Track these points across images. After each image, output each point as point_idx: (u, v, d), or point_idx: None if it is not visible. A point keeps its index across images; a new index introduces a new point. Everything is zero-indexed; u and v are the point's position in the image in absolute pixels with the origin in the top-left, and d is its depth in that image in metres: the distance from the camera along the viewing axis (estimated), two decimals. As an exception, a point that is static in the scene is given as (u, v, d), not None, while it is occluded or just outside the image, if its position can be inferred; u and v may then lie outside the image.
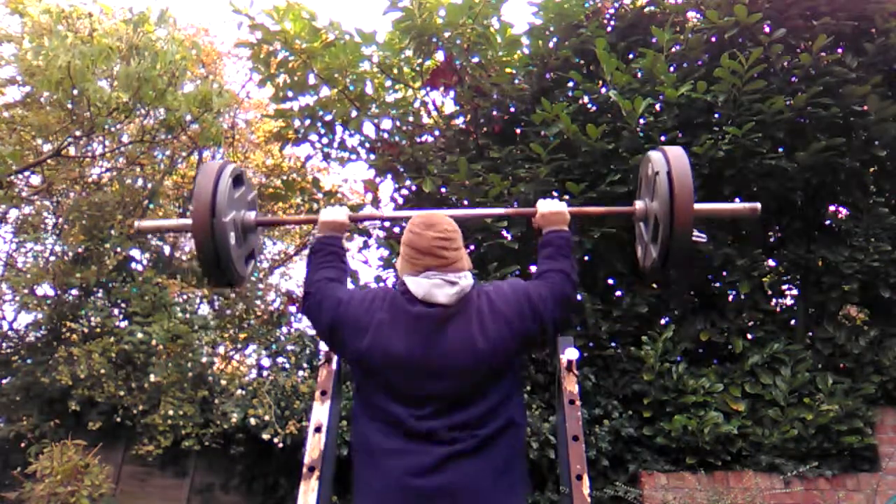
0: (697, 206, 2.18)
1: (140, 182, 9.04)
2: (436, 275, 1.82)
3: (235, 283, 2.40)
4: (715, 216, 2.78)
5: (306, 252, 11.48)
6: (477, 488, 1.72)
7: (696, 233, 2.22)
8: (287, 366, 7.06)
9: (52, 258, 7.95)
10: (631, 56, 6.39)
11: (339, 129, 7.32)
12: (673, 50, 6.04)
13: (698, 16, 6.45)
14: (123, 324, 7.19)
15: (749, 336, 6.08)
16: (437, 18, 6.52)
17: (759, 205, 2.37)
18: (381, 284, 6.78)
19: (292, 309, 7.67)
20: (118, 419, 6.62)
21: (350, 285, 2.09)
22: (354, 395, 1.94)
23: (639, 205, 2.42)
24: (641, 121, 5.76)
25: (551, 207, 2.13)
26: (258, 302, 8.27)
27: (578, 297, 6.07)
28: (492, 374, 1.80)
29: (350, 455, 1.88)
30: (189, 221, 2.23)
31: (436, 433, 1.73)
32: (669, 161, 2.18)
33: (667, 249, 2.19)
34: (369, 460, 1.79)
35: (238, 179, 2.37)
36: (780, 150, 5.73)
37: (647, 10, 6.74)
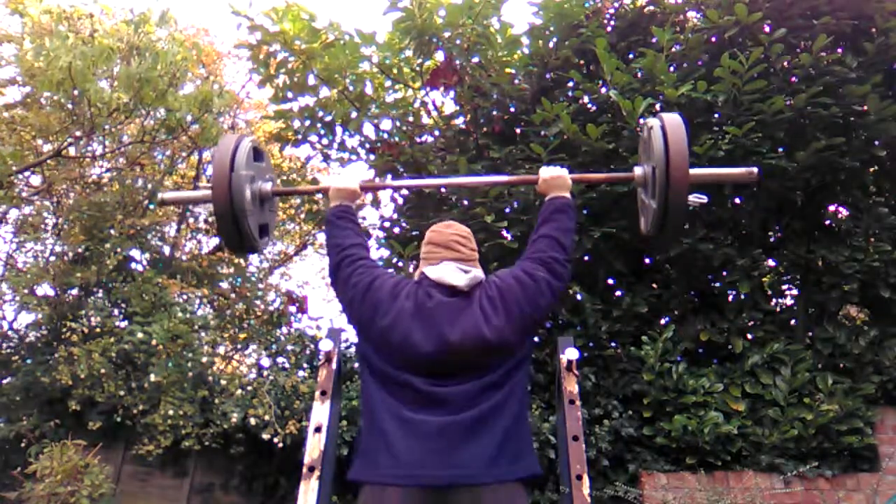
0: (694, 171, 2.23)
1: (140, 182, 9.03)
2: (451, 263, 2.01)
3: (248, 246, 2.41)
4: (713, 181, 2.78)
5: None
6: (480, 454, 1.79)
7: (696, 195, 2.24)
8: (287, 366, 7.05)
9: (52, 258, 7.95)
10: (631, 56, 6.38)
11: (338, 129, 7.30)
12: (673, 50, 6.03)
13: (698, 16, 6.45)
14: (123, 324, 7.19)
15: (749, 336, 6.08)
16: (437, 18, 6.52)
17: (755, 169, 2.38)
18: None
19: (292, 309, 7.66)
20: (118, 419, 6.61)
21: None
22: (361, 369, 2.03)
23: (638, 170, 2.45)
24: (641, 121, 5.76)
25: (552, 173, 2.25)
26: (258, 302, 8.25)
27: (578, 296, 6.11)
28: (498, 356, 1.90)
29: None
30: (209, 192, 2.30)
31: (443, 401, 1.82)
32: (664, 119, 2.26)
33: (665, 202, 2.19)
34: (376, 420, 1.88)
35: (258, 153, 2.46)
36: (780, 149, 5.72)
37: (647, 9, 6.73)
